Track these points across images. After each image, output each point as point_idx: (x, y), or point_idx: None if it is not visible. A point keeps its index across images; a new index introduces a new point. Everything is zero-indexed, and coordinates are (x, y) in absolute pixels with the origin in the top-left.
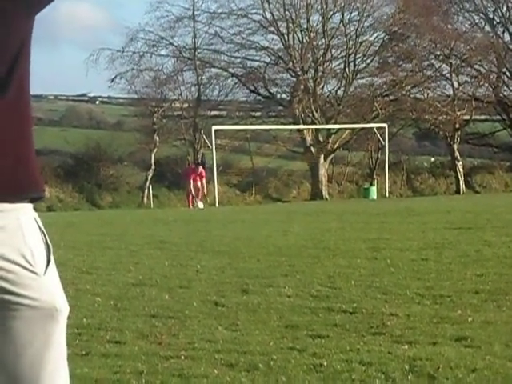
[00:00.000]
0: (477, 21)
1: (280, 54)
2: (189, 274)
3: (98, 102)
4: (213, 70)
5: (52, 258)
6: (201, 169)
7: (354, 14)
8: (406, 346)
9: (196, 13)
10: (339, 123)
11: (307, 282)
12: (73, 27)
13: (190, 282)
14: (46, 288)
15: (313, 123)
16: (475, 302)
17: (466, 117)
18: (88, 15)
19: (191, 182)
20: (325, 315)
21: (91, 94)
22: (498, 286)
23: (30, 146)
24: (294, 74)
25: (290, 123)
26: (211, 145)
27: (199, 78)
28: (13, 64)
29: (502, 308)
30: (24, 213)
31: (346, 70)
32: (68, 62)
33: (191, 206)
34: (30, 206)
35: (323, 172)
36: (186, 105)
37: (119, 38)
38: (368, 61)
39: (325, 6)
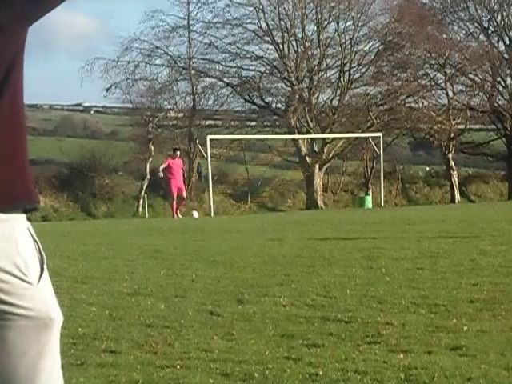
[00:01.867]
0: (472, 30)
1: (275, 63)
2: (184, 284)
3: (92, 112)
4: (208, 79)
5: (45, 267)
6: (178, 158)
7: (349, 23)
8: (402, 355)
9: (191, 22)
10: (334, 133)
11: (302, 291)
12: (67, 37)
13: (186, 292)
14: (40, 297)
15: (308, 133)
16: (470, 311)
17: (461, 126)
18: (82, 25)
19: (172, 182)
20: (320, 324)
21: (86, 104)
22: (494, 294)
23: (25, 157)
24: (289, 84)
25: (285, 133)
26: (206, 154)
27: (194, 87)
28: (6, 75)
29: (497, 317)
30: (17, 223)
31: (341, 79)
32: (63, 71)
33: (175, 216)
34: (23, 216)
35: (318, 181)
36: (181, 114)
37: (113, 47)
38: (363, 70)
39: (320, 16)
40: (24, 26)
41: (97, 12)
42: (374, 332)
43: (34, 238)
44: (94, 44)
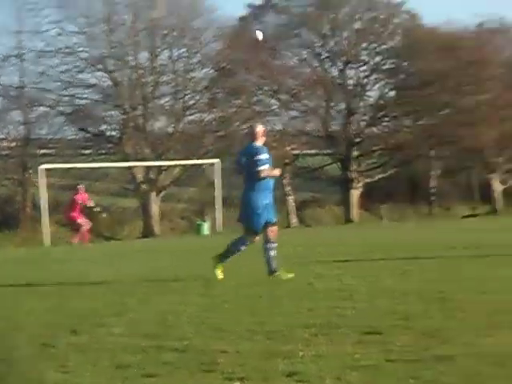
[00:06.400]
0: (305, 56)
1: (109, 91)
2: (17, 317)
3: None
4: (41, 108)
5: None
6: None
7: (182, 50)
8: (238, 383)
9: (23, 51)
10: (170, 159)
11: (139, 320)
12: None
13: (19, 325)
14: None
15: (143, 160)
16: (306, 335)
17: (296, 151)
18: None
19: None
20: (155, 354)
21: None
22: (330, 319)
23: None
24: (123, 111)
25: (120, 160)
26: (38, 184)
27: (27, 116)
28: None
29: (333, 341)
30: None
31: (176, 106)
32: None
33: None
34: None
35: (155, 209)
36: (14, 144)
37: None
38: (197, 97)
39: (153, 43)
40: None
41: None
42: (210, 360)
43: None
44: None
